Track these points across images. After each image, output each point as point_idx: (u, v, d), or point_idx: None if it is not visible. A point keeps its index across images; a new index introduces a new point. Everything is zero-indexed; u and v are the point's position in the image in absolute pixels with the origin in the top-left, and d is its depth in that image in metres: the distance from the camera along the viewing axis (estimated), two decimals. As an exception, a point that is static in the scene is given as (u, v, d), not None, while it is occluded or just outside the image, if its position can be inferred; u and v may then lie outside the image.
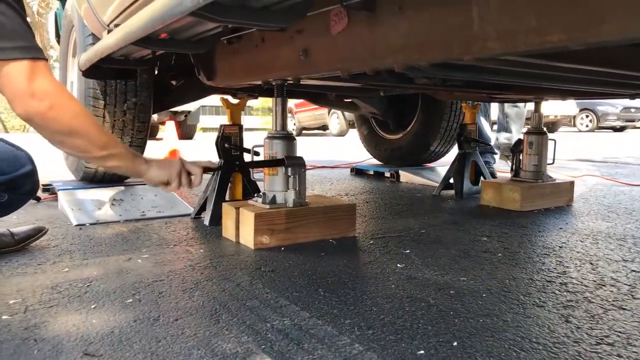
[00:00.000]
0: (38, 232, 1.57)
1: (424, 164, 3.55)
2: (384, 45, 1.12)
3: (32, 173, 1.22)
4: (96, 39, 2.18)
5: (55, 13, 3.80)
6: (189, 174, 1.32)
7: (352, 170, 3.79)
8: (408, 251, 1.54)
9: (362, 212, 2.19)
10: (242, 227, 1.62)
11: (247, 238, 1.58)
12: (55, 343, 0.89)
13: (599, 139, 9.37)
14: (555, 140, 2.40)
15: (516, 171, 2.41)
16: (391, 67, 1.16)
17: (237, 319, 1.01)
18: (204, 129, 19.09)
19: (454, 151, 3.54)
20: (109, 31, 1.85)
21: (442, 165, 3.51)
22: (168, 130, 4.84)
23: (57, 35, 3.74)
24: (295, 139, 1.73)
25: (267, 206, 1.62)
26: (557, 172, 3.63)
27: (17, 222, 1.91)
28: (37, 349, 0.87)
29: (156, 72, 2.46)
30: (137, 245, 1.60)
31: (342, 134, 14.50)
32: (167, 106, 2.78)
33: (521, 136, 2.50)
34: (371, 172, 3.62)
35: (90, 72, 1.90)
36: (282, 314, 1.04)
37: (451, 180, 2.69)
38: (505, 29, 0.86)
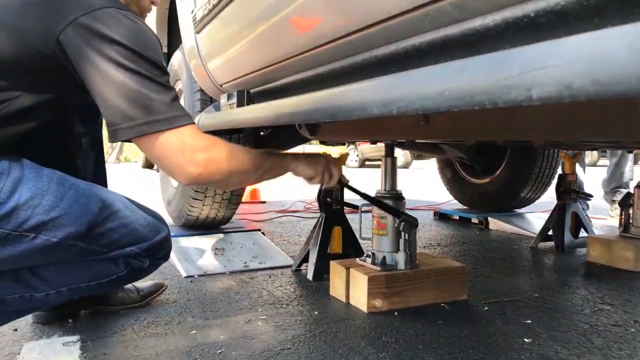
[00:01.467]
0: (160, 288, 1.65)
1: (513, 209, 3.44)
2: (525, 121, 1.10)
3: (168, 238, 1.28)
4: (204, 95, 2.31)
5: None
6: (330, 173, 1.42)
7: (435, 214, 3.73)
8: (529, 322, 1.47)
9: (461, 267, 2.14)
10: (353, 288, 1.62)
11: (360, 300, 1.58)
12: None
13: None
14: (669, 194, 2.25)
15: (625, 226, 2.28)
16: (529, 140, 1.14)
17: (379, 402, 1.00)
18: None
19: (545, 196, 3.44)
20: (222, 92, 1.96)
21: (532, 212, 3.40)
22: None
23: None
24: (404, 199, 1.72)
25: (379, 268, 1.61)
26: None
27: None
28: None
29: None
30: (252, 303, 1.63)
31: (406, 165, 14.39)
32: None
33: (631, 187, 2.37)
34: (456, 217, 3.54)
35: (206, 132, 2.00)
36: (423, 398, 1.02)
37: (550, 232, 2.58)
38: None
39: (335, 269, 1.72)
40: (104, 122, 1.12)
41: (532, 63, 0.46)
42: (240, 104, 1.69)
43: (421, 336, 1.35)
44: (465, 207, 3.71)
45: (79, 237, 1.08)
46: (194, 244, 2.30)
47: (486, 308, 1.60)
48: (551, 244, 2.56)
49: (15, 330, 1.38)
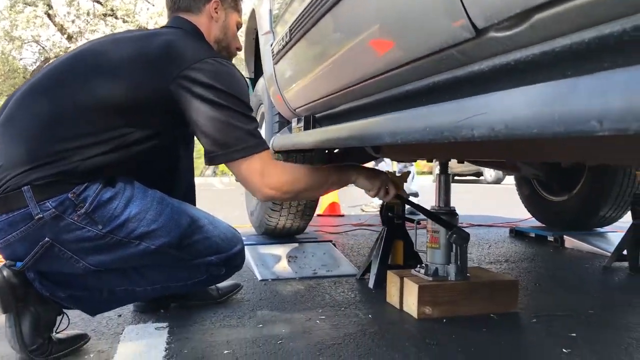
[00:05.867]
0: (236, 288, 1.90)
1: (593, 229, 3.35)
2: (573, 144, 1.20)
3: (242, 250, 1.55)
4: (282, 117, 2.57)
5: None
6: (387, 190, 1.63)
7: (511, 231, 3.72)
8: (574, 335, 1.53)
9: (523, 282, 2.19)
10: (406, 296, 1.76)
11: (411, 307, 1.72)
12: (264, 394, 1.12)
13: None
14: None
15: None
16: (579, 160, 1.23)
17: (408, 390, 1.15)
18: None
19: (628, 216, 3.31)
20: (296, 116, 2.20)
21: (613, 231, 3.28)
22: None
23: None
24: (457, 215, 1.84)
25: (430, 278, 1.74)
26: None
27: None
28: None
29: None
30: (314, 305, 1.83)
31: (498, 181, 13.93)
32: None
33: None
34: (532, 235, 3.51)
35: (279, 151, 2.25)
36: (449, 391, 1.15)
37: (625, 252, 2.52)
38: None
39: (391, 278, 1.87)
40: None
41: (474, 111, 0.62)
42: (307, 126, 1.91)
43: (461, 341, 1.47)
44: (543, 225, 3.66)
45: (171, 246, 1.37)
46: (270, 251, 2.55)
47: (534, 320, 1.67)
48: (626, 264, 2.50)
49: (120, 315, 1.68)
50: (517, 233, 3.63)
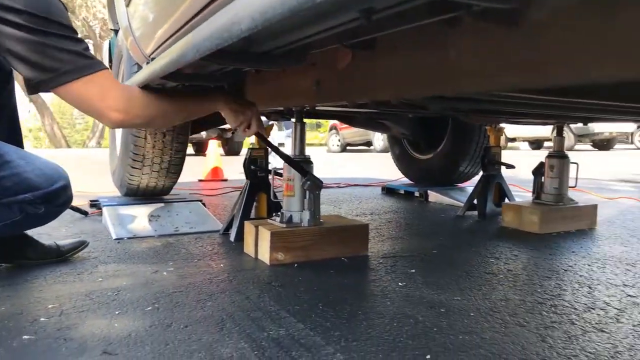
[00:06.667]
0: (80, 245, 1.76)
1: (455, 184, 3.59)
2: (381, 80, 1.23)
3: (65, 188, 1.41)
4: (140, 68, 2.40)
5: (109, 42, 4.13)
6: (249, 124, 1.59)
7: (383, 189, 3.88)
8: (414, 271, 1.62)
9: (381, 231, 2.28)
10: (260, 244, 1.76)
11: (264, 255, 1.71)
12: (81, 342, 1.05)
13: (653, 158, 8.98)
14: (577, 164, 2.41)
15: (537, 194, 2.43)
16: (387, 99, 1.27)
17: (239, 327, 1.14)
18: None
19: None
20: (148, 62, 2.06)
21: (472, 186, 3.54)
22: (210, 149, 5.09)
23: (110, 62, 4.05)
24: (312, 163, 1.85)
25: (284, 225, 1.75)
26: (593, 194, 3.59)
27: (65, 234, 2.13)
28: (65, 347, 1.03)
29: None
30: (166, 258, 1.76)
31: (386, 150, 14.50)
32: (205, 127, 2.98)
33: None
34: (402, 192, 3.69)
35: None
36: (280, 325, 1.15)
37: (475, 201, 2.73)
38: (477, 71, 0.96)
39: (248, 228, 1.85)
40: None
41: (238, 9, 0.59)
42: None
43: (308, 282, 1.49)
44: (412, 183, 3.86)
45: None
46: (131, 211, 2.41)
47: (381, 261, 1.74)
48: (476, 212, 2.71)
49: None
50: (389, 190, 3.79)
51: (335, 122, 14.17)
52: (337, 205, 3.11)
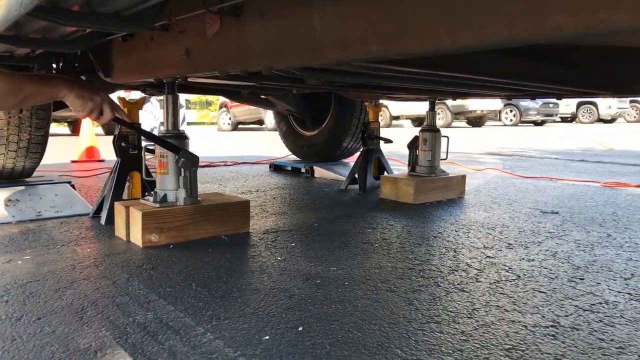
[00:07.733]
0: None
1: (340, 159, 3.67)
2: (250, 49, 1.19)
3: None
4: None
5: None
6: (101, 111, 1.42)
7: (270, 166, 3.86)
8: (293, 244, 1.62)
9: (266, 208, 2.26)
10: (131, 225, 1.65)
11: (137, 237, 1.61)
12: None
13: (517, 133, 9.93)
14: (448, 137, 2.57)
15: (412, 166, 2.56)
16: (258, 69, 1.23)
17: (102, 315, 1.05)
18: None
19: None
20: None
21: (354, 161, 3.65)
22: (84, 127, 4.70)
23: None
24: (188, 138, 1.76)
25: (157, 205, 1.65)
26: (464, 166, 3.87)
27: None
28: None
29: (59, 67, 2.40)
30: (23, 246, 1.58)
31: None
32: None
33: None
34: (289, 168, 3.69)
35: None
36: (148, 308, 1.09)
37: (357, 176, 2.81)
38: (341, 39, 0.95)
39: (118, 209, 1.72)
40: None
41: None
42: None
43: (183, 262, 1.43)
44: (300, 159, 3.88)
45: None
46: (-16, 196, 2.14)
47: (262, 237, 1.72)
48: (358, 185, 2.79)
49: None
50: (276, 167, 3.78)
51: (226, 99, 13.82)
52: (223, 184, 3.03)
